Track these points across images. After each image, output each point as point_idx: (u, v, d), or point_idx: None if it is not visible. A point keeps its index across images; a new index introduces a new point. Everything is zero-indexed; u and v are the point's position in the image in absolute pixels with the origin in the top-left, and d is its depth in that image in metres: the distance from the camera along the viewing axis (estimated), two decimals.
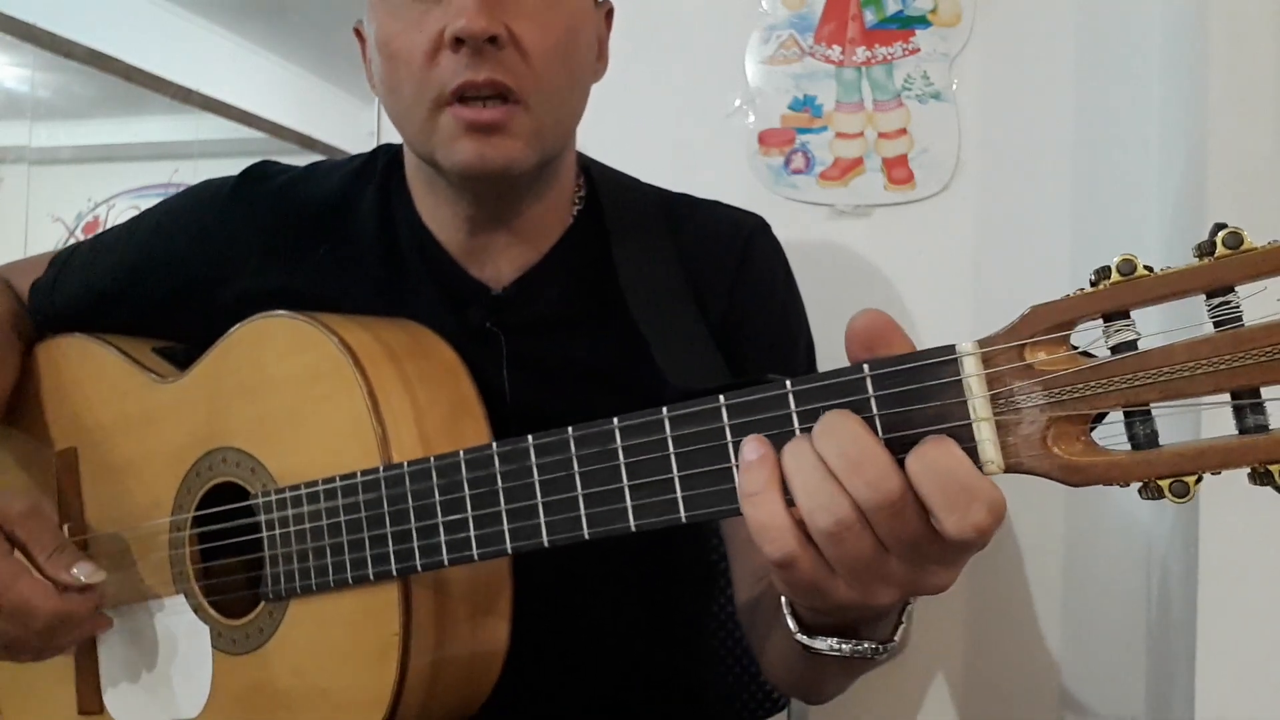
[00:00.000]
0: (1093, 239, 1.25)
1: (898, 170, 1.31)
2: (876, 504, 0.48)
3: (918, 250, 1.31)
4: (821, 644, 0.59)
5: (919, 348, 0.51)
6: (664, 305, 0.83)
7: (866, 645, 0.59)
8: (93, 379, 0.90)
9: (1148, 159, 1.23)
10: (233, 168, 0.96)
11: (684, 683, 0.97)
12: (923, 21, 1.30)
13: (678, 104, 1.37)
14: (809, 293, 0.94)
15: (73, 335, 0.93)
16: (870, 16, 1.32)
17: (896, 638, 0.60)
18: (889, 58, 1.31)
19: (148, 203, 1.03)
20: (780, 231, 0.95)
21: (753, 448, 0.52)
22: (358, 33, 0.86)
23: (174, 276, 0.91)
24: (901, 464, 0.49)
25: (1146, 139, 1.23)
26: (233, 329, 0.80)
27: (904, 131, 1.31)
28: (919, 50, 1.30)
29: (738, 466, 0.53)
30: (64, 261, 0.97)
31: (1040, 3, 1.28)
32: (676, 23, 1.37)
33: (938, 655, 1.29)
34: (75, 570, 0.76)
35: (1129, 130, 1.24)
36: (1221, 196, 0.95)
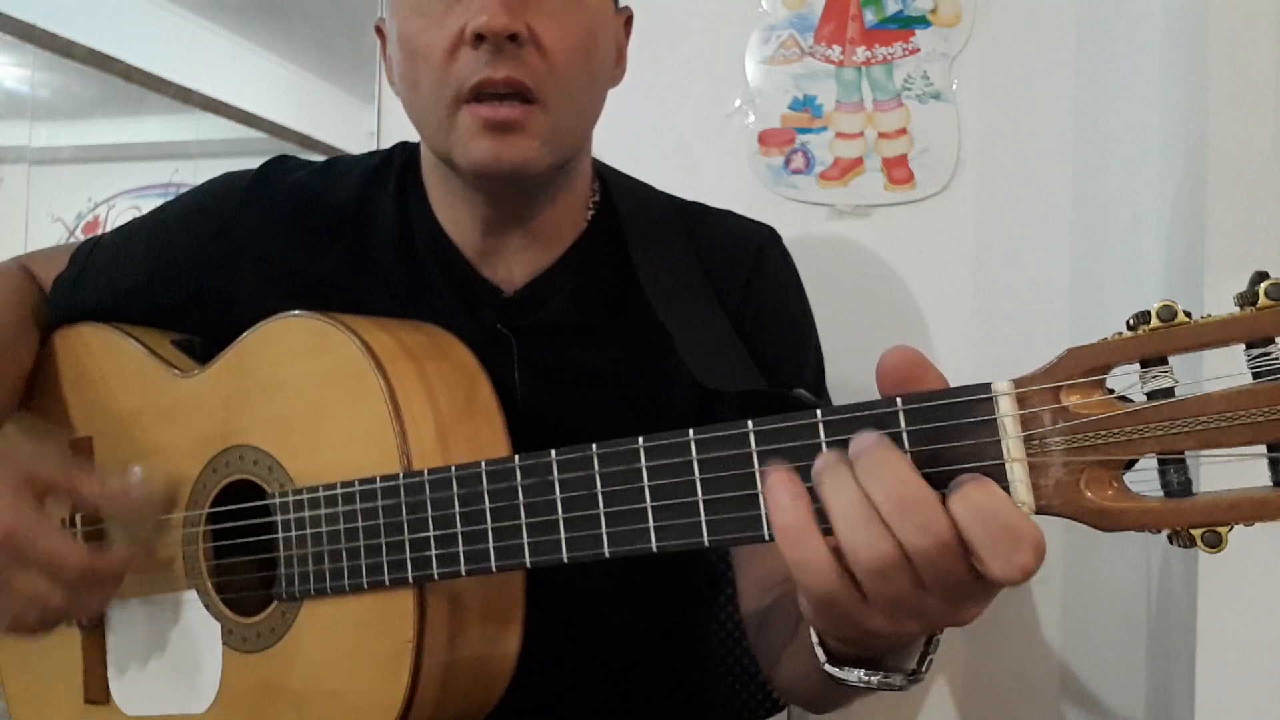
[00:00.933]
0: (1092, 239, 1.25)
1: (898, 170, 1.31)
2: (925, 548, 0.47)
3: (918, 250, 1.31)
4: (850, 675, 0.58)
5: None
6: (687, 303, 0.83)
7: (896, 677, 0.58)
8: (112, 369, 0.90)
9: (1148, 159, 1.23)
10: (233, 168, 0.96)
11: (686, 684, 0.97)
12: (923, 21, 1.30)
13: (678, 104, 1.37)
14: (809, 293, 0.94)
15: (93, 325, 0.93)
16: (870, 16, 1.32)
17: (924, 670, 0.59)
18: (889, 58, 1.31)
19: (148, 203, 1.03)
20: (780, 232, 0.95)
21: (785, 485, 0.51)
22: (379, 30, 0.86)
23: (195, 272, 0.91)
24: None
25: (1146, 139, 1.23)
26: (254, 327, 0.80)
27: (904, 131, 1.31)
28: (919, 50, 1.30)
29: (764, 495, 0.52)
30: (87, 256, 0.97)
31: (1040, 3, 1.28)
32: (676, 23, 1.37)
33: (938, 655, 1.29)
34: (132, 472, 0.78)
35: (1129, 130, 1.24)
36: (1221, 196, 0.95)
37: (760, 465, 0.53)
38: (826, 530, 0.50)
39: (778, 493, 0.50)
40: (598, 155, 0.94)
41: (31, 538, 0.73)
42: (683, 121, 1.37)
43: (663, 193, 0.94)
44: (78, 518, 0.87)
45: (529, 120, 0.74)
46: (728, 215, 0.94)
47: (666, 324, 0.80)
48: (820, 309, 0.95)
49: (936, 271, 1.30)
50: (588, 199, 0.89)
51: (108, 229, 1.07)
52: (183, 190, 1.02)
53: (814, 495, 0.50)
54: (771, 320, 0.88)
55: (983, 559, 0.47)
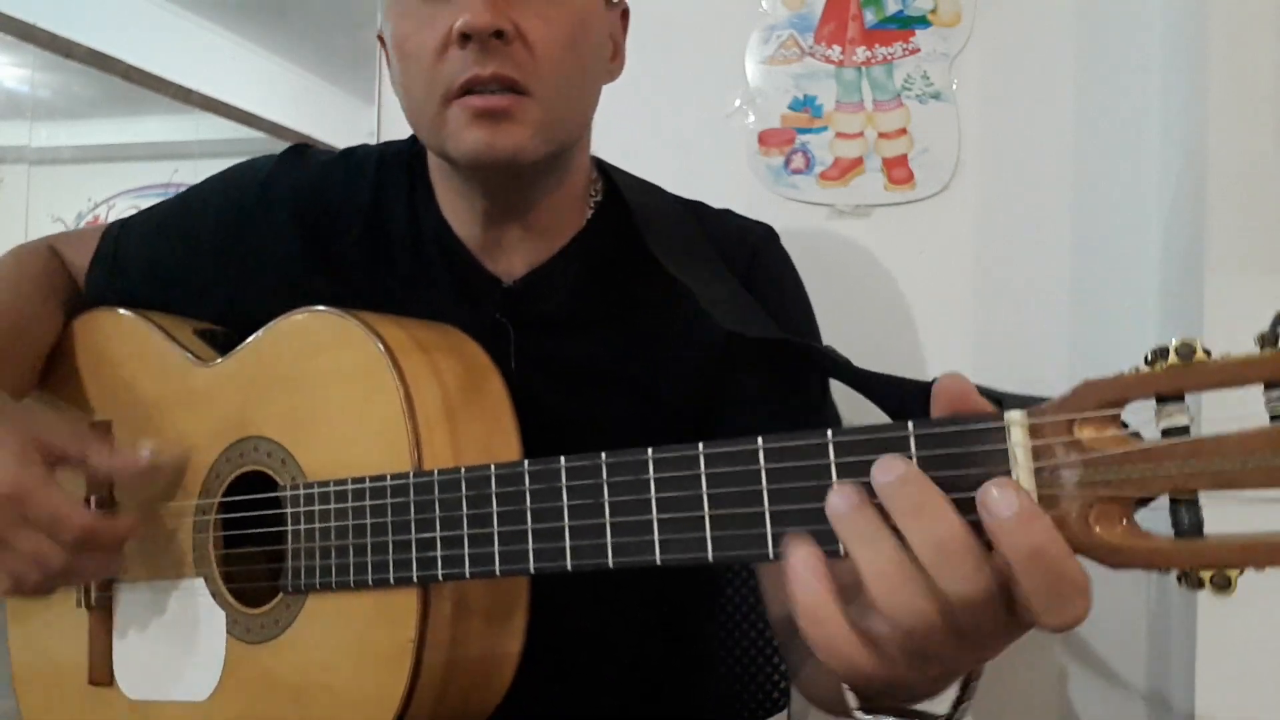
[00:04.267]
0: (1092, 239, 1.25)
1: (898, 170, 1.31)
2: (969, 598, 0.45)
3: (918, 250, 1.31)
4: None
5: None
6: (704, 267, 0.84)
7: None
8: (133, 355, 0.90)
9: (1148, 159, 1.23)
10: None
11: (685, 683, 0.97)
12: (923, 21, 1.30)
13: (678, 104, 1.37)
14: (809, 293, 0.94)
15: (114, 310, 0.93)
16: (870, 16, 1.32)
17: (958, 715, 0.55)
18: (889, 58, 1.31)
19: (147, 203, 1.04)
20: (780, 231, 0.95)
21: (807, 562, 0.48)
22: (381, 39, 0.87)
23: (220, 259, 0.92)
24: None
25: (1146, 139, 1.23)
26: (274, 320, 0.81)
27: (904, 131, 1.31)
28: (919, 50, 1.30)
29: (784, 566, 0.49)
30: (115, 239, 0.98)
31: (1040, 3, 1.28)
32: (676, 23, 1.37)
33: None
34: (143, 449, 0.79)
35: (1129, 130, 1.24)
36: (1221, 196, 0.95)
37: (768, 483, 0.52)
38: (833, 552, 0.48)
39: (799, 570, 0.48)
40: (598, 155, 0.94)
41: (35, 497, 0.74)
42: (683, 121, 1.37)
43: (666, 191, 0.95)
44: (91, 499, 0.87)
45: (518, 109, 0.75)
46: (726, 214, 0.95)
47: (685, 281, 0.80)
48: (820, 309, 0.95)
49: (936, 271, 1.30)
50: (587, 193, 0.90)
51: None
52: (182, 190, 1.03)
53: (833, 535, 0.48)
54: (771, 315, 0.88)
55: (1034, 611, 0.45)
